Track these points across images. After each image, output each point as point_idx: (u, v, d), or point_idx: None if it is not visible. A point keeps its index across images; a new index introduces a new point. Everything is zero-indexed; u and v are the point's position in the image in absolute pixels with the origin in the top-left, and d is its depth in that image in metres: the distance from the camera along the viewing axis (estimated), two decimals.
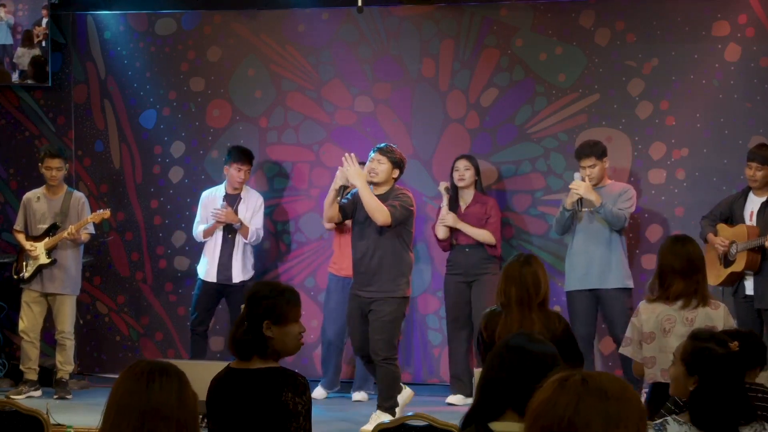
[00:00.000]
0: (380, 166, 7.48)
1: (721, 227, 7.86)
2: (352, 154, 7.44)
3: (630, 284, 8.13)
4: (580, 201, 8.07)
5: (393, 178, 7.54)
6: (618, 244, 8.11)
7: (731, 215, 7.89)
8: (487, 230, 8.46)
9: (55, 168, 8.67)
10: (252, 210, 8.83)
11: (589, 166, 8.11)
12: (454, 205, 8.55)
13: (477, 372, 5.84)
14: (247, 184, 8.92)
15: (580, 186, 8.02)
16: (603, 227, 8.12)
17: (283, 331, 4.01)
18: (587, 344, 8.19)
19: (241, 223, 8.70)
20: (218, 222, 8.68)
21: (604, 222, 8.10)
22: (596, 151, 8.14)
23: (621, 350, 5.90)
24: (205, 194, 8.94)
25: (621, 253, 8.13)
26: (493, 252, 8.50)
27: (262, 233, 8.89)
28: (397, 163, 7.53)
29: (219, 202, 8.78)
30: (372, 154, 7.56)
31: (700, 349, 3.84)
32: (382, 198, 7.42)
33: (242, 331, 4.03)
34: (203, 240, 8.83)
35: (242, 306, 4.13)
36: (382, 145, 7.64)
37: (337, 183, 7.51)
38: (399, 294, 7.42)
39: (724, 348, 3.83)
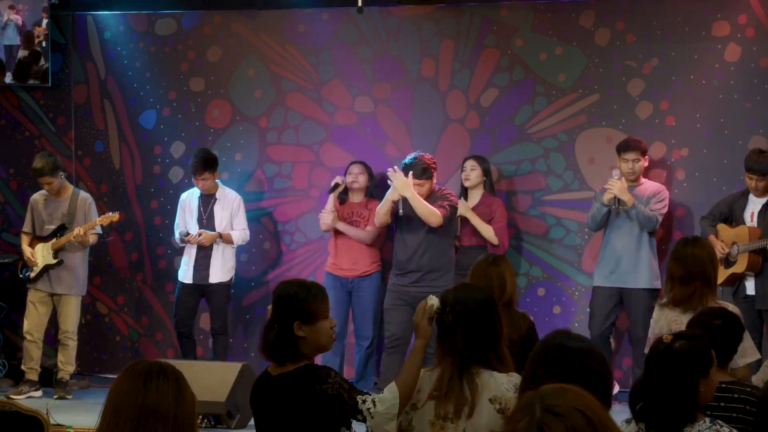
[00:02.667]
0: (422, 189, 7.93)
1: (722, 228, 7.86)
2: (396, 167, 7.90)
3: (658, 285, 8.11)
4: (617, 198, 8.10)
5: (433, 183, 8.06)
6: (647, 244, 8.14)
7: (731, 215, 7.88)
8: (491, 227, 8.46)
9: (45, 184, 8.72)
10: (229, 210, 8.88)
11: (632, 160, 8.16)
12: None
13: None
14: (239, 183, 9.05)
15: (614, 185, 8.05)
16: (633, 226, 8.15)
17: (315, 329, 3.98)
18: (603, 341, 8.22)
19: (221, 235, 8.79)
20: (204, 244, 8.79)
21: (635, 221, 8.12)
22: (641, 146, 8.20)
23: (646, 350, 5.89)
24: (183, 197, 9.03)
25: (650, 253, 8.15)
26: (495, 251, 8.48)
27: (248, 233, 8.95)
28: (433, 175, 8.04)
29: (195, 203, 8.88)
30: (411, 179, 7.86)
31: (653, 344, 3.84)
32: (429, 201, 7.85)
33: (273, 334, 3.99)
34: (181, 246, 8.96)
35: (268, 308, 4.09)
36: (410, 162, 7.98)
37: (395, 195, 7.91)
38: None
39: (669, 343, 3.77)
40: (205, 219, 8.86)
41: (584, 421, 2.13)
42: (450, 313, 3.92)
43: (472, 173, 8.57)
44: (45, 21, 9.46)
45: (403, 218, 7.91)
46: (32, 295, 8.73)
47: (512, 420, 2.18)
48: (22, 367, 8.73)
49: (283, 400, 3.97)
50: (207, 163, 8.76)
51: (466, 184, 8.59)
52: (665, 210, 8.24)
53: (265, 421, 4.08)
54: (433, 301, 3.98)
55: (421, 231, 7.82)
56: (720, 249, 7.70)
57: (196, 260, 8.82)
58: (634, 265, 8.11)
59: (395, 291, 7.90)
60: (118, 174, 9.65)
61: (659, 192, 8.24)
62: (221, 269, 8.83)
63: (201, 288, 8.87)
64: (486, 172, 8.60)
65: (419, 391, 3.96)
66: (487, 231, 8.45)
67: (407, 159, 8.06)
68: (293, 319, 3.96)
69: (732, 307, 5.47)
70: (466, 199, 8.58)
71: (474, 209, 8.53)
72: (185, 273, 8.89)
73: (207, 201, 8.89)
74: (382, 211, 8.04)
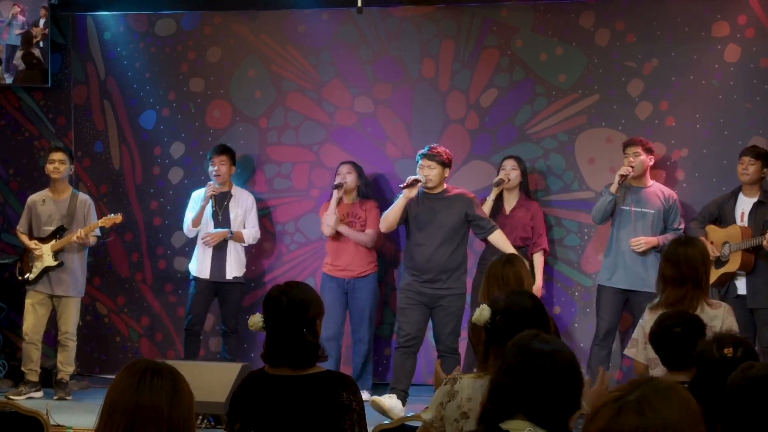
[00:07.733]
0: (432, 171, 7.84)
1: (712, 229, 7.88)
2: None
3: None
4: (624, 178, 8.05)
5: (445, 177, 7.92)
6: (652, 250, 8.12)
7: (720, 216, 7.90)
8: (538, 251, 8.47)
9: (57, 161, 8.67)
10: (243, 209, 8.89)
11: (633, 154, 8.13)
12: (498, 206, 8.48)
13: None
14: (239, 183, 9.06)
15: (639, 244, 8.07)
16: (641, 230, 8.13)
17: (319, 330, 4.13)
18: (607, 338, 8.21)
19: (232, 232, 8.79)
20: (209, 245, 8.77)
21: (644, 225, 8.12)
22: (641, 142, 8.19)
23: (626, 351, 5.89)
24: (195, 193, 9.01)
25: (654, 258, 8.13)
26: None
27: (258, 234, 8.96)
28: (446, 164, 7.89)
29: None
30: (420, 161, 7.86)
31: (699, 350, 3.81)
32: (440, 197, 7.85)
33: (300, 339, 4.05)
34: (193, 230, 8.87)
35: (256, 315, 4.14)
36: (426, 149, 7.90)
37: (411, 193, 7.82)
38: (464, 290, 7.91)
39: (720, 352, 3.77)
40: (221, 216, 8.86)
41: (670, 425, 2.12)
42: (501, 319, 3.80)
43: (513, 173, 8.47)
44: (44, 21, 9.46)
45: (418, 219, 7.87)
46: (31, 297, 8.71)
47: (611, 393, 2.18)
48: (22, 368, 8.72)
49: (305, 400, 3.95)
50: (226, 148, 8.87)
51: (507, 185, 8.47)
52: (683, 221, 8.25)
53: (279, 423, 4.01)
54: (484, 309, 3.90)
55: (436, 232, 7.79)
56: (712, 252, 7.70)
57: (213, 257, 8.80)
58: (637, 269, 8.09)
59: (410, 290, 7.83)
60: (118, 174, 9.65)
61: (673, 206, 8.20)
62: (236, 265, 8.85)
63: (216, 285, 8.85)
64: (524, 173, 8.54)
65: (470, 400, 3.82)
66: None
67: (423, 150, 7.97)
68: (307, 325, 4.02)
69: (725, 307, 5.49)
70: (501, 201, 8.49)
71: (512, 212, 8.45)
72: (200, 269, 8.83)
73: (222, 198, 8.88)
74: (391, 217, 7.94)
